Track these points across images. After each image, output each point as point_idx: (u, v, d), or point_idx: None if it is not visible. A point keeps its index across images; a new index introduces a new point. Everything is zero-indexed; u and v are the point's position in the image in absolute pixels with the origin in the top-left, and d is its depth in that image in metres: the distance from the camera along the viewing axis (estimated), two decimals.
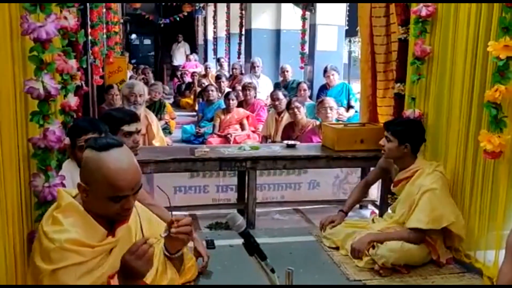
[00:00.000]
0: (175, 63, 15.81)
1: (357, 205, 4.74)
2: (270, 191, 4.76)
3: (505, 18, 2.71)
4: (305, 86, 7.10)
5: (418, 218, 3.10)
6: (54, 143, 2.32)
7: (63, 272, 1.74)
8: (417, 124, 3.49)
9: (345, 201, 3.79)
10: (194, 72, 11.55)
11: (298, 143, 4.60)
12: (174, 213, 2.08)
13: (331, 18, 8.09)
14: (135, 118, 3.02)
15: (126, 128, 2.92)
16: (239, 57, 11.39)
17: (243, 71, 10.36)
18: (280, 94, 6.07)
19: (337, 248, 3.37)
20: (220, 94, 7.99)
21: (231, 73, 10.84)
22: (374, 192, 4.72)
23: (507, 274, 2.10)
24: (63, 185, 2.41)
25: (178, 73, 13.66)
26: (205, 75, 11.09)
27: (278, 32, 9.88)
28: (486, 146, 2.80)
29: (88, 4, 5.34)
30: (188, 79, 11.90)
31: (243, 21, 11.06)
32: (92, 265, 1.80)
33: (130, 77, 9.50)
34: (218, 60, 12.89)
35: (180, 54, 16.11)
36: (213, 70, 11.78)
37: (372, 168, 3.98)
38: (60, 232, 1.76)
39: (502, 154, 2.82)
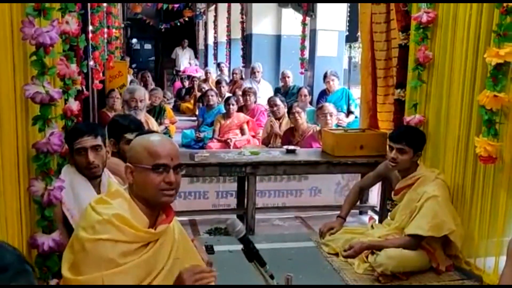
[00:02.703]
0: (182, 68, 15.78)
1: (357, 211, 4.75)
2: (271, 197, 4.76)
3: (500, 24, 2.73)
4: (305, 91, 7.10)
5: (419, 224, 3.10)
6: (58, 147, 2.33)
7: (104, 244, 1.76)
8: (420, 130, 3.50)
9: (341, 207, 3.78)
10: (194, 77, 11.54)
11: (298, 148, 4.60)
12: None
13: (332, 24, 8.09)
14: (138, 127, 3.06)
15: (128, 136, 2.96)
16: (243, 62, 11.39)
17: (244, 76, 10.36)
18: (278, 100, 6.09)
19: (336, 254, 3.37)
20: (220, 99, 7.98)
21: (231, 78, 10.83)
22: (374, 198, 4.72)
23: (508, 280, 2.10)
24: (62, 188, 2.42)
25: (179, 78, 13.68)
26: (206, 80, 11.09)
27: (278, 38, 9.89)
28: (482, 152, 2.82)
29: (89, 8, 5.35)
30: (188, 83, 11.90)
31: (244, 26, 11.07)
32: (130, 249, 1.81)
33: (131, 82, 9.50)
34: (218, 65, 12.88)
35: (186, 60, 16.12)
36: (213, 75, 11.78)
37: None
38: (109, 209, 1.83)
39: (498, 159, 2.83)
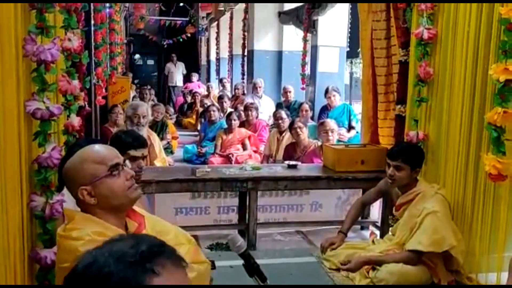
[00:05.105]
0: (178, 83, 15.88)
1: (358, 226, 4.74)
2: (272, 212, 4.75)
3: (505, 41, 2.74)
4: (307, 107, 7.12)
5: (419, 240, 3.09)
6: (58, 161, 2.35)
7: None
8: (419, 147, 3.51)
9: (343, 222, 3.78)
10: (195, 92, 11.60)
11: (299, 163, 4.60)
12: None
13: (333, 40, 8.15)
14: (142, 143, 3.04)
15: (132, 152, 2.94)
16: (243, 78, 11.46)
17: (245, 92, 10.41)
18: (283, 114, 6.12)
19: (337, 270, 3.35)
20: (222, 114, 8.02)
21: (233, 93, 10.89)
22: (375, 213, 4.71)
23: None
24: (62, 202, 2.43)
25: (181, 93, 13.71)
26: (208, 95, 11.15)
27: (280, 54, 9.96)
28: (491, 170, 2.77)
29: (92, 25, 5.41)
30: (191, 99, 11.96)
31: (246, 42, 11.16)
32: None
33: (133, 98, 9.56)
34: (220, 80, 12.96)
35: (180, 75, 16.21)
36: (215, 90, 11.83)
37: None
38: (83, 230, 1.73)
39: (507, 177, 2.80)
